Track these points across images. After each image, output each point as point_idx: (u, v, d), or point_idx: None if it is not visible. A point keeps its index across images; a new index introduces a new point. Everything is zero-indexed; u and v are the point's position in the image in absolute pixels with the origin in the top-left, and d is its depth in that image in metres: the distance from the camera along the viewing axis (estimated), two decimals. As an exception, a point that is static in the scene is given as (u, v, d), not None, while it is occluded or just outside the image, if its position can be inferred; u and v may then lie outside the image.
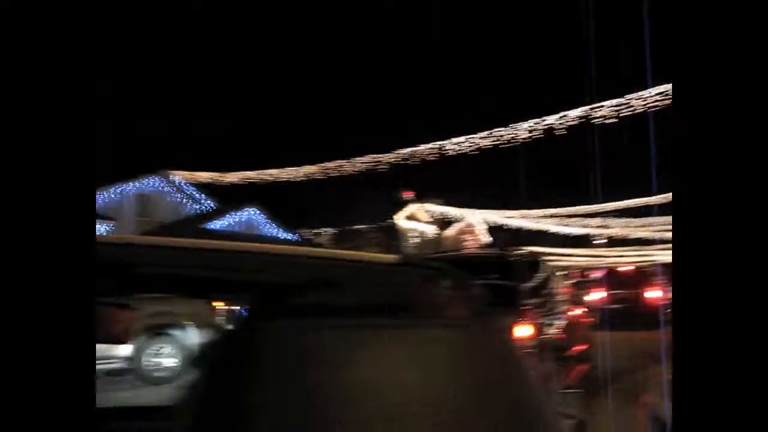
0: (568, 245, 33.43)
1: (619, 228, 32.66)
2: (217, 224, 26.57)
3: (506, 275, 7.40)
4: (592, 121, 18.71)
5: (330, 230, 35.88)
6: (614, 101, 18.12)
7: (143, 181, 27.70)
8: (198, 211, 28.47)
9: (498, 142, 23.05)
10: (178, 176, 28.43)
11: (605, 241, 35.40)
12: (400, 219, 35.53)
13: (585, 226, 32.91)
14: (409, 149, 24.82)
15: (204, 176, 28.89)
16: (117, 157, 29.61)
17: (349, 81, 52.83)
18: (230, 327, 1.43)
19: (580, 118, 19.07)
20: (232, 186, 28.82)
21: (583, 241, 34.86)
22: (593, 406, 5.83)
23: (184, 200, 28.66)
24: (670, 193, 1.04)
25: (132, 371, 9.18)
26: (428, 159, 25.07)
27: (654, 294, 15.61)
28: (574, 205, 30.67)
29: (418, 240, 35.06)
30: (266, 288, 1.38)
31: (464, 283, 1.46)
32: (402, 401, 1.09)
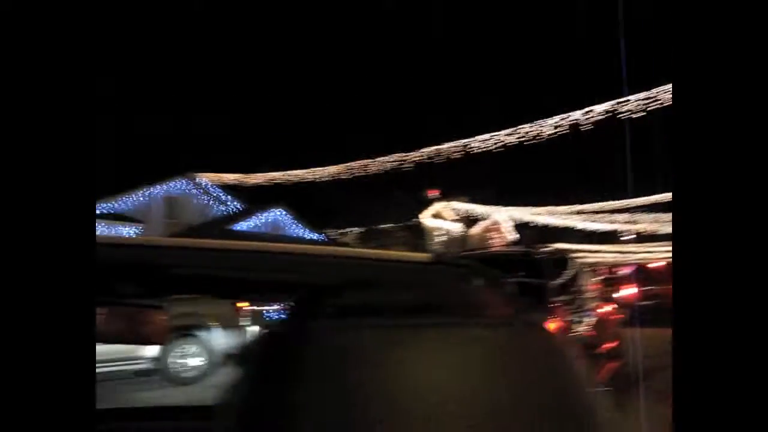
0: (595, 242, 33.15)
1: (647, 223, 32.29)
2: (243, 225, 26.75)
3: (533, 273, 7.35)
4: (619, 116, 18.52)
5: (356, 230, 35.94)
6: (641, 95, 17.91)
7: (170, 184, 27.98)
8: (224, 213, 28.68)
9: (523, 139, 22.93)
10: (205, 178, 28.69)
11: (634, 236, 35.01)
12: (425, 217, 35.48)
13: (612, 222, 32.60)
14: (433, 148, 24.81)
15: (230, 178, 29.12)
16: (144, 160, 29.99)
17: (373, 80, 52.90)
18: (270, 327, 1.43)
19: (607, 112, 18.89)
20: (258, 187, 29.06)
21: (610, 237, 34.53)
22: (624, 405, 5.76)
23: (211, 202, 28.90)
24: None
25: (158, 372, 9.29)
26: (453, 157, 25.02)
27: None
28: (602, 201, 30.40)
29: (443, 238, 34.98)
30: (306, 288, 1.38)
31: (497, 281, 1.44)
32: (447, 401, 1.08)
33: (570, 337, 6.14)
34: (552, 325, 5.93)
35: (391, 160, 26.06)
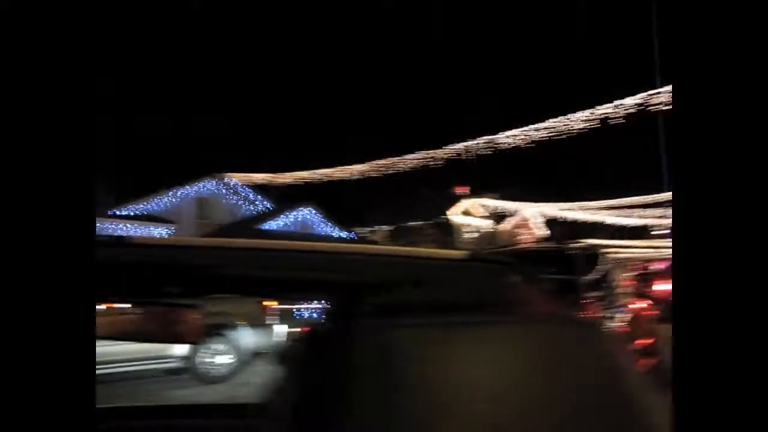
0: (626, 237, 32.77)
1: (681, 218, 31.68)
2: (272, 225, 26.88)
3: (565, 269, 7.29)
4: (650, 109, 18.25)
5: (384, 228, 35.94)
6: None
7: (201, 185, 28.23)
8: (254, 212, 28.87)
9: (552, 134, 22.74)
10: (234, 178, 28.90)
11: (667, 231, 34.53)
12: (454, 214, 35.37)
13: (644, 217, 32.18)
14: (461, 144, 24.71)
15: (259, 178, 29.30)
16: (175, 161, 30.31)
17: (400, 78, 52.85)
18: (312, 326, 1.44)
19: (638, 105, 18.63)
20: (287, 186, 29.20)
21: (643, 232, 34.10)
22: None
23: (240, 202, 29.10)
24: None
25: (188, 370, 9.38)
26: (481, 153, 24.89)
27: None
28: (633, 196, 30.03)
29: (473, 235, 34.84)
30: (349, 287, 1.38)
31: (534, 277, 1.43)
32: (492, 398, 1.07)
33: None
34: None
35: (419, 157, 26.02)
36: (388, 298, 1.27)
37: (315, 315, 16.75)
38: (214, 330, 9.49)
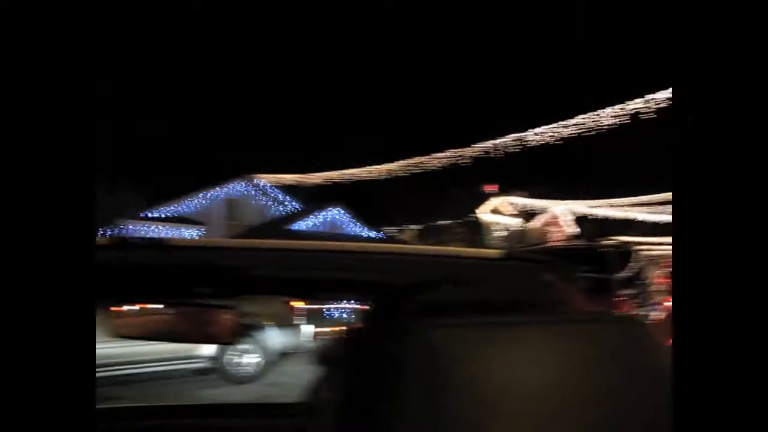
0: (659, 234, 32.37)
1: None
2: (301, 225, 27.01)
3: (598, 266, 7.23)
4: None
5: (413, 227, 35.93)
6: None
7: (230, 186, 28.48)
8: (283, 213, 29.05)
9: (581, 130, 22.55)
10: (263, 179, 29.12)
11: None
12: (483, 213, 35.23)
13: (677, 213, 31.66)
14: (490, 142, 24.62)
15: (288, 178, 29.49)
16: (206, 163, 30.61)
17: (429, 76, 52.80)
18: (354, 326, 1.44)
19: (669, 100, 18.38)
20: (316, 187, 29.33)
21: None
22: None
23: (270, 203, 29.30)
24: None
25: (215, 370, 9.45)
26: (510, 151, 24.77)
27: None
28: (665, 192, 29.64)
29: (502, 233, 34.68)
30: (392, 287, 1.39)
31: (571, 275, 1.42)
32: (537, 397, 1.07)
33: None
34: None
35: (448, 156, 25.98)
36: (430, 298, 1.27)
37: (344, 315, 16.81)
38: (243, 330, 9.55)
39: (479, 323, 1.14)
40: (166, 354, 8.92)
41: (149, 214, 26.04)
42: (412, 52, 54.50)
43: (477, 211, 35.17)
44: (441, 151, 26.17)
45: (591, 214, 32.45)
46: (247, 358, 9.62)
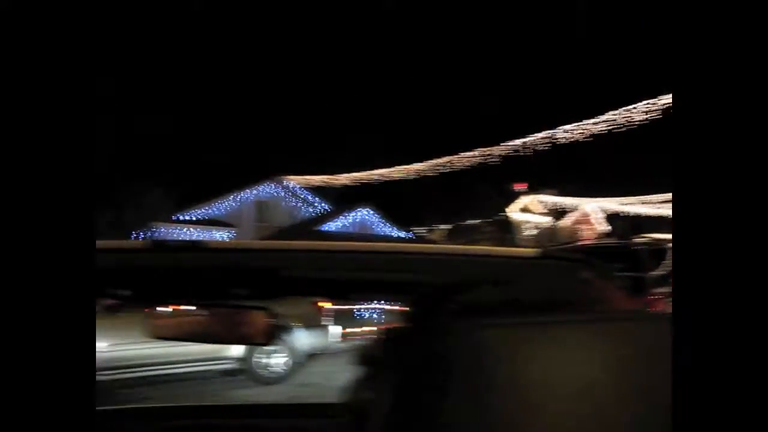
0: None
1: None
2: (331, 226, 27.12)
3: (631, 264, 7.14)
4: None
5: (442, 226, 35.88)
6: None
7: (260, 188, 28.71)
8: (312, 214, 29.19)
9: (612, 127, 22.34)
10: (292, 181, 29.31)
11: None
12: (513, 211, 35.07)
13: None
14: (519, 140, 24.52)
15: (317, 180, 29.67)
16: (236, 165, 30.88)
17: (457, 74, 52.66)
18: (397, 326, 1.45)
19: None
20: (345, 187, 29.47)
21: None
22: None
23: (299, 204, 29.47)
24: None
25: (244, 371, 9.51)
26: (539, 149, 24.64)
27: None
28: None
29: (532, 232, 34.47)
30: (432, 287, 1.39)
31: (609, 273, 1.40)
32: (579, 398, 1.06)
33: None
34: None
35: (476, 154, 25.92)
36: (469, 298, 1.27)
37: (375, 315, 16.85)
38: (276, 331, 9.60)
39: (521, 323, 1.13)
40: (195, 355, 8.99)
41: (180, 217, 26.35)
42: (442, 50, 54.45)
43: (506, 209, 35.03)
44: (470, 150, 26.15)
45: (622, 212, 32.14)
46: (275, 359, 9.65)
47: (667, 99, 19.47)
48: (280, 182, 29.04)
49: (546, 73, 48.17)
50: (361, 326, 14.78)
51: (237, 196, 28.06)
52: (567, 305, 1.26)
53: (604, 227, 33.07)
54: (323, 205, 29.81)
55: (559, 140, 23.96)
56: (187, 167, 29.67)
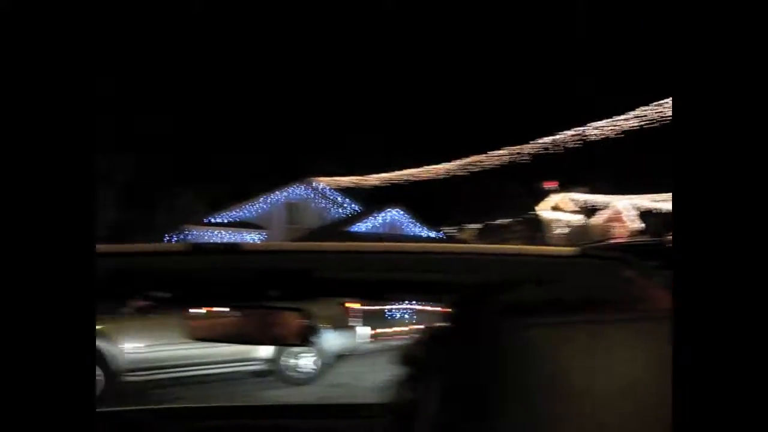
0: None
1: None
2: (361, 227, 27.17)
3: (666, 262, 7.02)
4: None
5: (472, 226, 35.76)
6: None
7: (290, 190, 28.86)
8: (342, 215, 29.28)
9: (643, 122, 22.07)
10: (322, 182, 29.42)
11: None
12: (543, 210, 34.84)
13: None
14: (549, 138, 24.35)
15: (346, 181, 29.76)
16: (266, 167, 31.11)
17: (484, 72, 52.42)
18: (439, 326, 1.45)
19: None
20: (374, 188, 29.51)
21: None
22: None
23: (329, 205, 29.57)
24: None
25: (272, 372, 9.56)
26: (569, 146, 24.43)
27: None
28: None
29: (563, 230, 34.20)
30: (474, 287, 1.39)
31: (648, 272, 1.38)
32: (623, 398, 1.05)
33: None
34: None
35: (506, 153, 25.78)
36: (513, 298, 1.27)
37: (406, 316, 16.83)
38: (311, 331, 9.61)
39: (565, 322, 1.12)
40: (225, 356, 9.06)
41: (211, 220, 26.60)
42: (471, 49, 54.26)
43: (537, 208, 34.79)
44: (499, 149, 26.02)
45: (655, 209, 31.69)
46: (303, 360, 9.69)
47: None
48: (310, 184, 29.16)
49: (575, 69, 47.73)
50: (392, 327, 14.78)
51: (267, 198, 28.23)
52: (609, 304, 1.25)
53: (637, 225, 32.67)
54: (353, 206, 29.86)
55: (589, 137, 23.73)
56: (217, 170, 29.95)
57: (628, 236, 20.97)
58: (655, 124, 21.37)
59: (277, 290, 1.66)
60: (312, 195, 29.41)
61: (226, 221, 27.04)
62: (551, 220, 34.63)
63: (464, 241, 28.65)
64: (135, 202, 24.70)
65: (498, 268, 1.39)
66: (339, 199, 29.76)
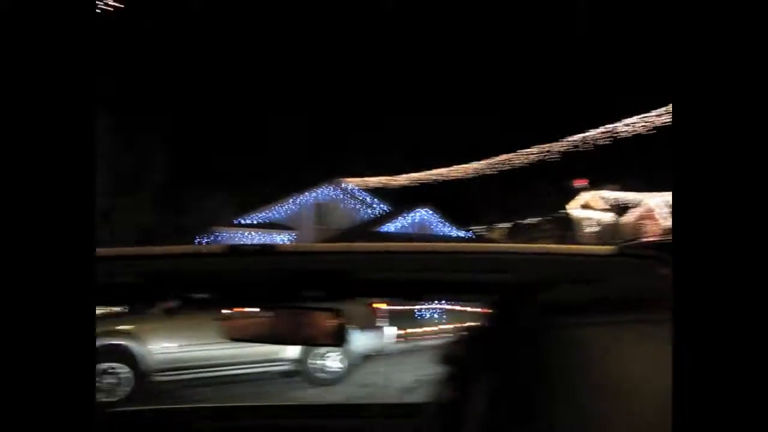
0: None
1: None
2: (390, 227, 27.18)
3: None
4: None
5: (502, 225, 35.58)
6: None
7: (319, 191, 28.98)
8: (371, 216, 29.31)
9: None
10: (351, 183, 29.50)
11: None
12: (573, 208, 34.53)
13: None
14: (579, 135, 24.12)
15: (374, 181, 29.80)
16: (296, 169, 31.29)
17: (514, 69, 52.13)
18: (479, 326, 1.45)
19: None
20: (403, 188, 29.51)
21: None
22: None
23: (358, 206, 29.63)
24: None
25: (300, 373, 9.60)
26: (600, 143, 24.18)
27: None
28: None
29: (594, 229, 33.86)
30: (513, 287, 1.40)
31: None
32: (670, 398, 1.04)
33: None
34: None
35: (535, 151, 25.60)
36: (554, 297, 1.26)
37: (435, 315, 16.81)
38: (346, 332, 9.64)
39: (606, 321, 1.12)
40: (253, 357, 9.13)
41: (242, 221, 26.81)
42: (499, 46, 54.00)
43: (567, 206, 34.50)
44: (528, 147, 25.85)
45: (689, 206, 31.20)
46: (330, 360, 9.72)
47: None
48: (339, 184, 29.25)
49: (605, 65, 47.23)
50: (421, 327, 14.77)
51: (296, 199, 28.38)
52: (648, 302, 1.24)
53: (670, 223, 32.22)
54: (382, 206, 29.89)
55: (620, 134, 23.46)
56: (247, 171, 30.18)
57: (661, 234, 20.68)
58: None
59: (311, 291, 1.67)
60: (341, 195, 29.49)
61: (255, 222, 27.23)
62: (581, 219, 34.30)
63: (494, 241, 28.52)
64: (166, 204, 25.00)
65: (539, 267, 1.38)
66: (368, 199, 29.81)
